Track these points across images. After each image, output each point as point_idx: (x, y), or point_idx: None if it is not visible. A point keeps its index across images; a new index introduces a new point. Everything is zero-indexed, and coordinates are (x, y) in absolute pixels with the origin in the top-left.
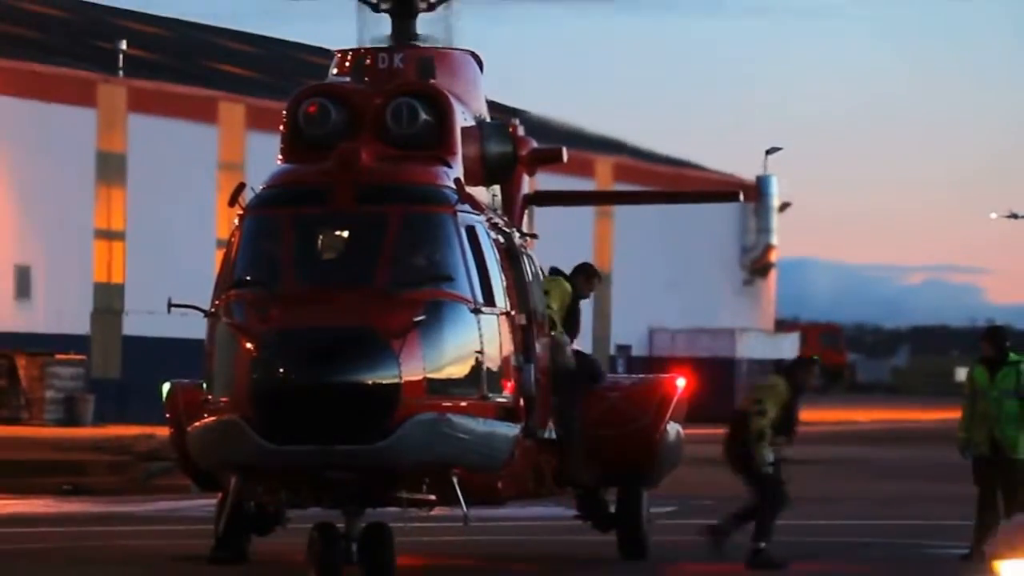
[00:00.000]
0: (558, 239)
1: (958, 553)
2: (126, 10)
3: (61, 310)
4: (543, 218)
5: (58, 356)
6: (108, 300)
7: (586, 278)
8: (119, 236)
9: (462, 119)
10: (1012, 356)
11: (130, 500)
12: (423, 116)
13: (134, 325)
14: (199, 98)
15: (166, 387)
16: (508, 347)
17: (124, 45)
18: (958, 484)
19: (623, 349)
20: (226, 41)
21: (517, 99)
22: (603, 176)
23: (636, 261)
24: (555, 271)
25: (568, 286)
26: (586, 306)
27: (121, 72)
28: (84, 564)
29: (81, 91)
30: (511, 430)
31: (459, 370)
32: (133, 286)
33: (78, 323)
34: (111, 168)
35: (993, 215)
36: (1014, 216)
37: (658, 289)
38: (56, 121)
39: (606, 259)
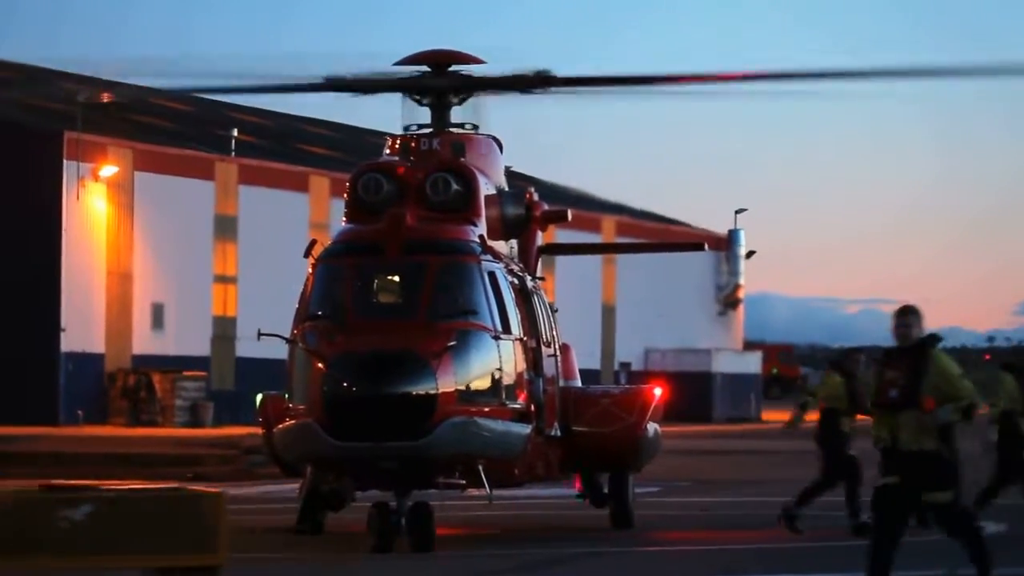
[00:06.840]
0: (578, 280)
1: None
2: (237, 104)
3: (188, 337)
4: (565, 264)
5: (185, 373)
6: (224, 329)
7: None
8: (232, 280)
9: (485, 188)
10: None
11: (236, 485)
12: (454, 186)
13: (244, 349)
14: (294, 173)
15: (259, 397)
16: (521, 365)
17: (236, 132)
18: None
19: (625, 365)
20: (315, 128)
21: (545, 172)
22: (608, 231)
23: (635, 297)
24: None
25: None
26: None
27: (233, 152)
28: None
29: (202, 168)
30: (524, 429)
31: (482, 383)
32: (243, 318)
33: (201, 347)
34: (226, 227)
35: None
36: None
37: (652, 318)
38: (183, 191)
39: (612, 295)
